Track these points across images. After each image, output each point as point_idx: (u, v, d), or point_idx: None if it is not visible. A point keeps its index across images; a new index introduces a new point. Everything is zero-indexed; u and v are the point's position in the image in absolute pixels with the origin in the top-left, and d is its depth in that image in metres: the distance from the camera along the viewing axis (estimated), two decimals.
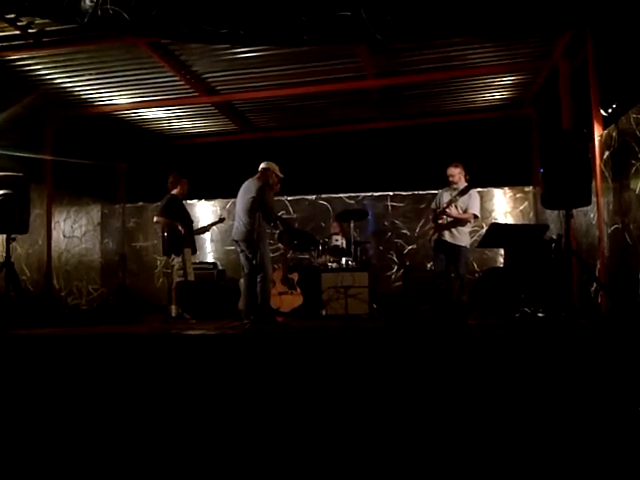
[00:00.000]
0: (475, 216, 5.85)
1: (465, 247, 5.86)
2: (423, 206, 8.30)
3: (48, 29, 5.60)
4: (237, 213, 5.62)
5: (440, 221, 5.83)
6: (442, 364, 3.75)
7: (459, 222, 5.79)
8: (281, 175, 5.73)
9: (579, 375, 3.46)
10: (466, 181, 5.86)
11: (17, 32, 5.62)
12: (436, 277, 5.99)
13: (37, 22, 5.44)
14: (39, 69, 6.56)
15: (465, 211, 5.79)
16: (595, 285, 5.42)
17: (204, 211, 9.15)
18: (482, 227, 8.03)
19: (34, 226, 7.07)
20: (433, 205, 6.19)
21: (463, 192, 5.67)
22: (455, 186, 5.88)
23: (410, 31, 4.54)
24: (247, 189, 5.53)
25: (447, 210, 5.76)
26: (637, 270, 4.52)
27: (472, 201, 5.80)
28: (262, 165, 5.68)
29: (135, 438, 2.83)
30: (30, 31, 5.63)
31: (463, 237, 5.83)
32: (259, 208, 5.40)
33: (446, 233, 5.82)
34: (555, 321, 4.58)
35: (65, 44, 5.90)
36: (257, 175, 5.62)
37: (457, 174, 5.89)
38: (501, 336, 4.19)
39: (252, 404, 3.39)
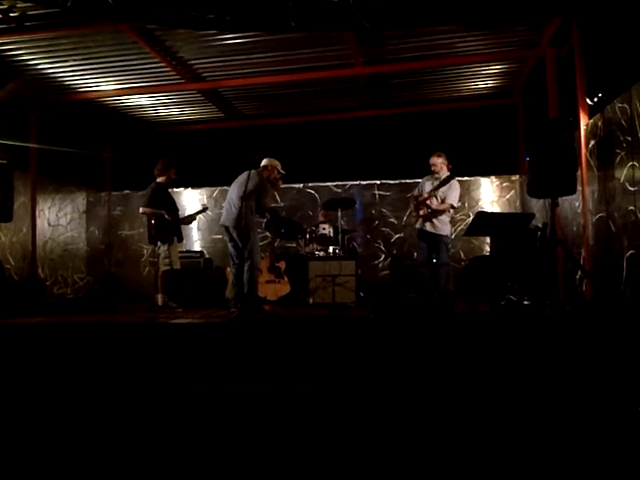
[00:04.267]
0: (452, 206, 5.92)
1: (446, 236, 5.94)
2: (410, 194, 8.31)
3: (30, 13, 5.49)
4: (230, 200, 5.56)
5: (421, 211, 5.91)
6: (428, 352, 3.78)
7: (439, 212, 5.87)
8: (283, 172, 5.77)
9: (564, 362, 3.50)
10: (448, 170, 5.92)
11: None
12: (419, 266, 6.07)
13: (19, 5, 5.33)
14: (22, 54, 6.44)
15: (443, 201, 5.85)
16: (580, 273, 5.47)
17: (190, 199, 9.09)
18: (469, 216, 8.08)
19: (18, 214, 6.99)
20: (415, 192, 6.27)
21: (444, 182, 5.74)
22: (437, 175, 5.94)
23: (397, 18, 4.53)
24: (246, 180, 5.40)
25: (427, 202, 5.83)
26: (621, 258, 4.57)
27: (451, 191, 5.85)
28: (264, 162, 5.71)
29: (122, 427, 2.83)
30: (12, 15, 5.50)
31: (444, 226, 5.91)
32: (254, 200, 5.42)
33: (427, 223, 5.91)
34: (540, 309, 4.62)
35: (48, 29, 5.80)
36: (259, 169, 5.62)
37: (439, 163, 5.95)
38: (487, 323, 4.23)
39: (239, 392, 3.40)
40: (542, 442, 2.42)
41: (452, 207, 5.92)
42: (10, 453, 2.46)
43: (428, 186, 5.96)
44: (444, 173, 5.86)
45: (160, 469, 2.27)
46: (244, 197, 5.32)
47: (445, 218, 5.91)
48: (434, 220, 5.86)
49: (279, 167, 5.75)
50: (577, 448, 2.35)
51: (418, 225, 6.00)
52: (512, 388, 3.25)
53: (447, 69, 7.25)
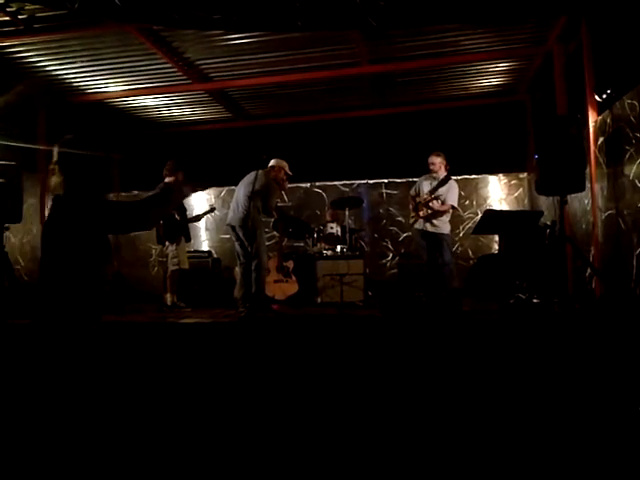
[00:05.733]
0: (453, 207, 6.03)
1: (447, 234, 6.07)
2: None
3: (39, 15, 5.54)
4: (237, 199, 5.59)
5: (421, 212, 5.96)
6: (437, 350, 3.77)
7: (439, 212, 5.96)
8: (290, 173, 5.83)
9: (573, 360, 3.49)
10: (446, 170, 5.99)
11: (7, 18, 5.54)
12: (423, 265, 6.14)
13: (27, 8, 5.37)
14: (30, 56, 6.49)
15: (444, 202, 5.91)
16: (589, 271, 5.44)
17: (198, 200, 9.10)
18: (477, 214, 8.05)
19: (28, 215, 7.02)
20: (412, 192, 6.32)
21: (443, 182, 5.82)
22: (435, 175, 6.03)
23: (404, 16, 4.52)
24: (254, 179, 5.42)
25: (429, 204, 5.88)
26: (631, 256, 4.54)
27: (450, 192, 5.96)
28: (271, 162, 5.78)
29: (130, 428, 2.84)
30: (20, 17, 5.55)
31: (444, 226, 6.03)
32: (261, 200, 5.44)
33: (427, 224, 6.02)
34: (550, 307, 4.60)
35: (56, 30, 5.84)
36: (266, 169, 5.66)
37: (438, 163, 6.03)
38: (496, 322, 4.21)
39: (247, 392, 3.40)
40: (549, 440, 2.41)
41: (453, 207, 6.00)
42: (14, 453, 2.48)
43: (426, 186, 6.05)
44: (442, 173, 5.95)
45: (167, 468, 2.28)
46: (251, 197, 5.34)
47: (445, 218, 6.05)
48: (434, 221, 5.99)
49: (286, 168, 5.78)
50: (581, 448, 2.34)
51: (418, 226, 6.08)
52: (521, 386, 3.23)
53: (454, 67, 7.22)
